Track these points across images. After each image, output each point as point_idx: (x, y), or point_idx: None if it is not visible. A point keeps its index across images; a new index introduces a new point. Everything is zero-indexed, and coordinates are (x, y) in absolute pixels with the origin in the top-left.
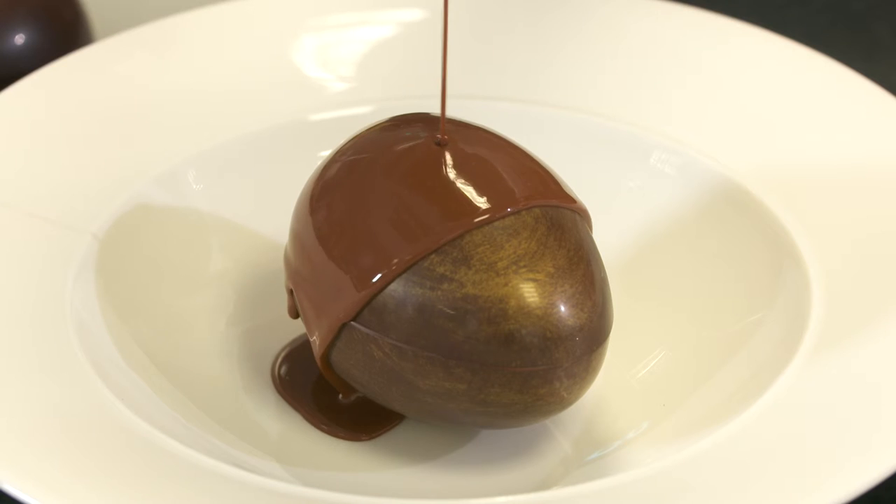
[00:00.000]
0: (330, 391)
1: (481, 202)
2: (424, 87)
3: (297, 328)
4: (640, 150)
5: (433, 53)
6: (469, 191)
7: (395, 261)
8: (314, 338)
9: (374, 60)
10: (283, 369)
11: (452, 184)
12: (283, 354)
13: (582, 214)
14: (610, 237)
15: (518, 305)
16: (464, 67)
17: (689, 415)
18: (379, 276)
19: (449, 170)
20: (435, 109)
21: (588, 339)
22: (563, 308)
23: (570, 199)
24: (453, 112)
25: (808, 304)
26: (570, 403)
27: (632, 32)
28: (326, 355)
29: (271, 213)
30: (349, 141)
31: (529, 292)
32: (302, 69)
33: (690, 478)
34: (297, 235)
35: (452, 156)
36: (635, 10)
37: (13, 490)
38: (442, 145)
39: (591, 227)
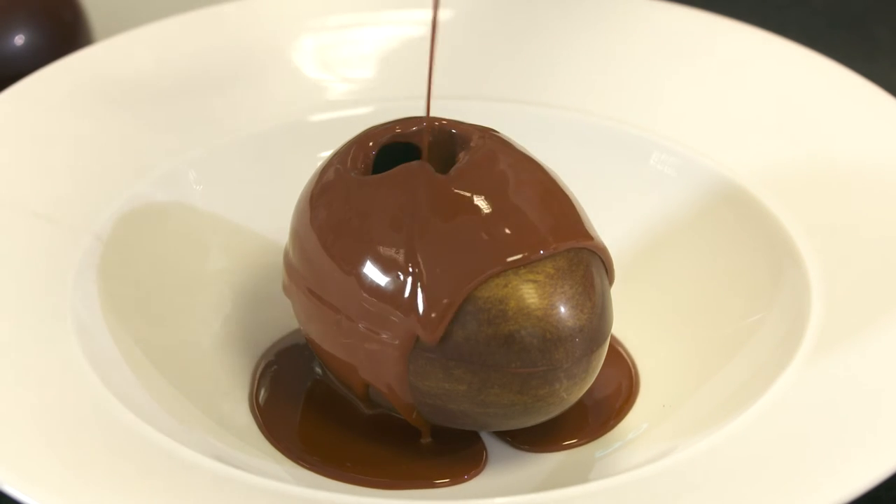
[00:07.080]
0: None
1: (515, 242)
2: (425, 88)
3: (289, 326)
4: (640, 151)
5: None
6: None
7: (446, 301)
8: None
9: (375, 61)
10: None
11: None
12: (262, 413)
13: (601, 254)
14: (610, 237)
15: (518, 306)
16: (463, 68)
17: (689, 415)
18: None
19: (476, 204)
20: (435, 111)
21: (588, 340)
22: (562, 309)
23: (591, 240)
24: (452, 114)
25: (808, 304)
26: (569, 404)
27: (631, 33)
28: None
29: (271, 214)
30: (349, 146)
31: (529, 293)
32: (302, 69)
33: (690, 478)
34: (325, 276)
35: (475, 187)
36: (635, 10)
37: (13, 491)
38: (423, 152)
39: (611, 272)
